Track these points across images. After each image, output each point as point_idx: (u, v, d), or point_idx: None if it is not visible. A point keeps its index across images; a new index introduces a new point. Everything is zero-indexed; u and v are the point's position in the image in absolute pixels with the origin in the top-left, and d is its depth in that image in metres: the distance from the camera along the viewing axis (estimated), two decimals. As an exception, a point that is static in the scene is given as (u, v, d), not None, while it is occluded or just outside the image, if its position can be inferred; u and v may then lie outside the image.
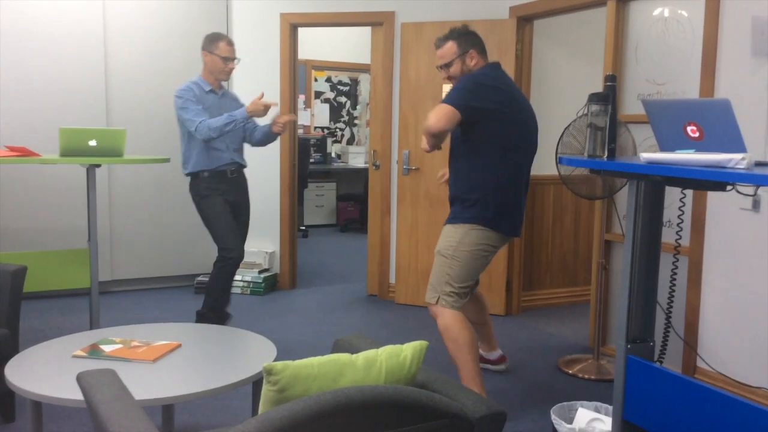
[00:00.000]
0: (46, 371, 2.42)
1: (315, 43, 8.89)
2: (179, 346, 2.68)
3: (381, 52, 5.36)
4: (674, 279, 2.65)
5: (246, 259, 4.75)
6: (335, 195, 9.29)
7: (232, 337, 2.92)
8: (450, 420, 1.58)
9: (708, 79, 3.49)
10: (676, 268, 2.67)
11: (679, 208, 2.70)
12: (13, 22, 5.02)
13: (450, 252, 3.13)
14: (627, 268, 2.44)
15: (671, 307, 2.63)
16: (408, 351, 1.68)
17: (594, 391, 3.64)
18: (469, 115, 2.99)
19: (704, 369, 3.54)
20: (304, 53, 7.60)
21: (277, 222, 5.65)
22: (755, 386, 3.27)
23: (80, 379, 1.92)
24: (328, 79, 9.48)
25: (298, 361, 1.54)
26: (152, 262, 5.60)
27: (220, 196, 4.07)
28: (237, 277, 4.96)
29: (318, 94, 9.44)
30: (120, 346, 2.64)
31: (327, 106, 9.53)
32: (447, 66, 3.24)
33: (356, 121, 9.77)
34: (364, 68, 9.05)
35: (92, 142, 3.58)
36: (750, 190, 2.67)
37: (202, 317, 4.22)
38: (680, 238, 2.89)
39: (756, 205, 3.28)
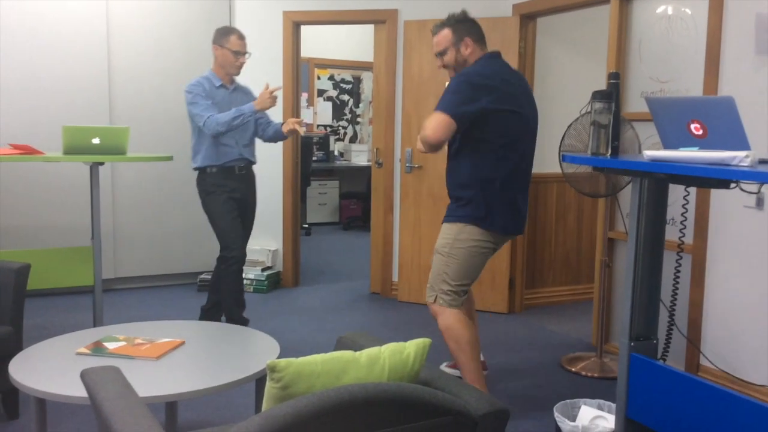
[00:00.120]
0: (50, 368, 2.43)
1: (318, 41, 8.89)
2: (183, 343, 2.68)
3: (384, 50, 5.35)
4: (677, 277, 2.65)
5: (249, 257, 4.75)
6: (338, 193, 9.29)
7: (235, 335, 2.92)
8: (453, 417, 1.58)
9: (712, 76, 3.48)
10: (680, 266, 2.67)
11: (683, 206, 2.70)
12: (17, 21, 5.02)
13: (446, 250, 3.10)
14: (630, 265, 2.44)
15: (674, 304, 2.63)
16: (411, 348, 1.68)
17: (597, 388, 3.64)
18: (464, 123, 2.95)
19: (707, 367, 3.54)
20: (306, 51, 7.59)
21: (280, 220, 5.66)
22: (758, 384, 3.26)
23: (84, 376, 1.92)
24: (331, 77, 9.48)
25: (301, 359, 1.54)
26: (155, 259, 5.61)
27: (227, 193, 4.04)
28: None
29: (321, 92, 9.44)
30: (123, 343, 2.65)
31: (330, 104, 9.53)
32: (441, 54, 3.19)
33: (359, 119, 9.77)
34: (366, 66, 9.05)
35: (95, 140, 3.58)
36: (754, 187, 2.67)
37: (206, 313, 4.22)
38: (683, 236, 2.88)
39: (760, 203, 3.27)
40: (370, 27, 5.59)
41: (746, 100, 3.22)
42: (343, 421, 1.44)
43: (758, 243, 3.29)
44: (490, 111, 2.98)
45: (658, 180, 2.35)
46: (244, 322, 4.03)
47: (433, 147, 2.96)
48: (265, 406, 1.54)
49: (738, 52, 3.37)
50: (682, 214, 2.75)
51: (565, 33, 5.25)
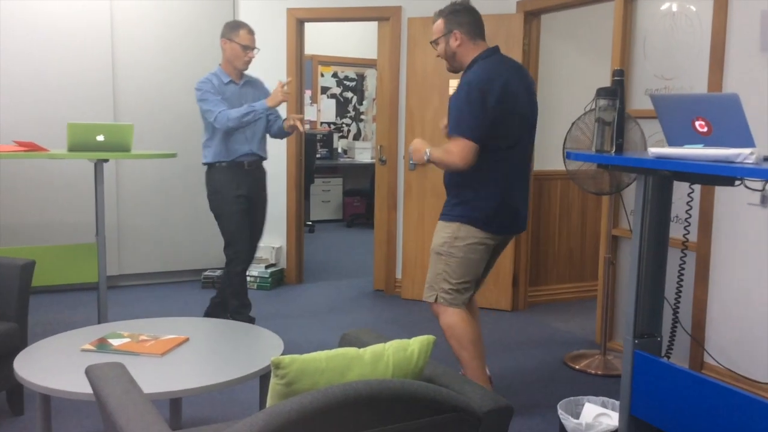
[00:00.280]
0: (55, 365, 2.44)
1: (321, 38, 8.88)
2: (187, 340, 2.69)
3: (387, 47, 5.35)
4: (682, 274, 2.64)
5: (253, 254, 4.75)
6: (341, 190, 9.29)
7: (239, 332, 2.92)
8: (457, 414, 1.58)
9: (716, 73, 3.47)
10: (684, 263, 2.67)
11: (687, 203, 2.69)
12: (21, 19, 5.03)
13: (444, 249, 3.07)
14: (635, 263, 2.44)
15: (678, 302, 2.62)
16: (415, 345, 1.69)
17: (601, 386, 3.64)
18: (484, 139, 2.94)
19: (711, 364, 3.53)
20: (310, 48, 7.59)
21: (284, 217, 5.66)
22: (763, 381, 3.26)
23: (89, 372, 1.93)
24: (335, 75, 9.47)
25: (305, 355, 1.54)
26: (160, 256, 5.62)
27: (234, 191, 4.02)
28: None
29: (324, 90, 9.44)
30: (128, 340, 2.65)
31: (333, 101, 9.53)
32: (435, 43, 3.16)
33: (362, 117, 9.77)
34: (370, 63, 9.04)
35: (100, 137, 3.59)
36: (758, 185, 2.66)
37: (214, 307, 4.24)
38: (688, 234, 2.88)
39: (764, 201, 3.27)
40: (374, 24, 5.59)
41: (751, 97, 3.22)
42: (348, 418, 1.44)
43: (762, 240, 3.28)
44: (496, 117, 2.96)
45: (662, 177, 2.35)
46: (250, 322, 4.04)
47: (463, 170, 2.97)
48: (269, 402, 1.55)
49: (743, 49, 3.36)
50: (686, 212, 2.75)
51: (569, 30, 5.24)
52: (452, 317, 3.07)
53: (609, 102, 2.57)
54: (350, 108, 9.67)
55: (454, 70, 3.19)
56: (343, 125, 9.65)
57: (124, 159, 5.20)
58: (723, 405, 2.08)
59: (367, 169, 8.99)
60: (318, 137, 9.00)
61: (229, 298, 4.12)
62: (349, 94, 9.63)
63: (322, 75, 9.38)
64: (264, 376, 2.48)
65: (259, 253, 5.49)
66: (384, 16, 5.34)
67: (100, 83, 5.28)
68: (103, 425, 1.99)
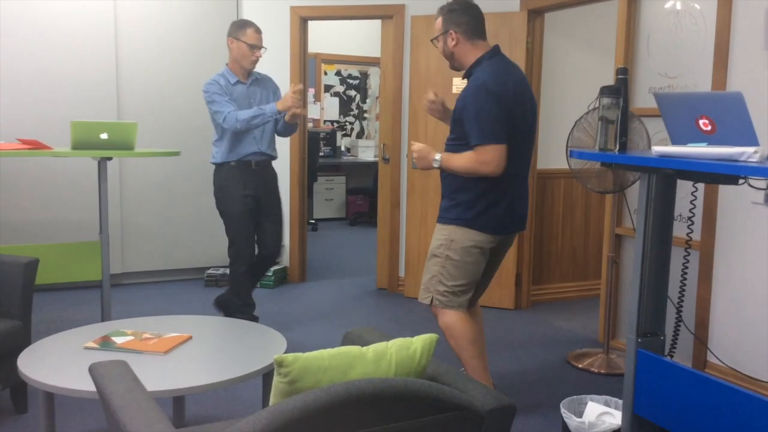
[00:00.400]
0: (59, 363, 2.44)
1: (325, 37, 8.88)
2: (190, 338, 2.69)
3: (391, 46, 5.35)
4: (685, 273, 2.64)
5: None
6: (345, 188, 9.30)
7: (242, 330, 2.93)
8: (460, 413, 1.58)
9: (720, 72, 3.47)
10: (687, 262, 2.66)
11: (691, 202, 2.69)
12: (25, 16, 5.04)
13: (441, 251, 3.05)
14: (638, 262, 2.43)
15: (682, 301, 2.62)
16: (418, 344, 1.69)
17: (604, 385, 3.64)
18: (507, 138, 2.93)
19: (715, 363, 3.53)
20: (313, 47, 7.58)
21: (287, 215, 5.66)
22: (766, 380, 3.25)
23: (92, 370, 1.93)
24: (338, 73, 9.47)
25: (308, 353, 1.54)
26: (163, 254, 5.62)
27: (241, 190, 4.01)
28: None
29: (328, 88, 9.44)
30: (131, 338, 2.66)
31: (336, 99, 9.53)
32: (436, 40, 3.13)
33: (366, 115, 9.77)
34: (373, 62, 9.04)
35: (103, 136, 3.59)
36: (762, 183, 2.65)
37: (221, 302, 4.26)
38: (691, 232, 2.87)
39: (768, 199, 3.26)
40: (377, 22, 5.58)
41: (755, 95, 3.21)
42: (351, 416, 1.44)
43: (766, 239, 3.27)
44: (508, 117, 2.94)
45: (666, 176, 2.34)
46: (253, 320, 4.05)
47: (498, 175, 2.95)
48: (272, 400, 1.55)
49: (747, 47, 3.35)
50: (690, 210, 2.74)
51: (572, 28, 5.24)
52: (450, 318, 3.06)
53: (613, 100, 2.56)
54: (353, 106, 9.67)
55: (455, 68, 3.18)
56: (347, 123, 9.65)
57: (127, 157, 5.22)
58: (726, 404, 2.08)
59: (371, 168, 8.99)
60: (321, 135, 9.00)
61: (232, 298, 4.13)
62: (353, 93, 9.63)
63: (326, 73, 9.38)
64: (267, 375, 2.49)
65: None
66: (387, 14, 5.33)
67: (104, 82, 5.29)
68: (106, 423, 1.99)
